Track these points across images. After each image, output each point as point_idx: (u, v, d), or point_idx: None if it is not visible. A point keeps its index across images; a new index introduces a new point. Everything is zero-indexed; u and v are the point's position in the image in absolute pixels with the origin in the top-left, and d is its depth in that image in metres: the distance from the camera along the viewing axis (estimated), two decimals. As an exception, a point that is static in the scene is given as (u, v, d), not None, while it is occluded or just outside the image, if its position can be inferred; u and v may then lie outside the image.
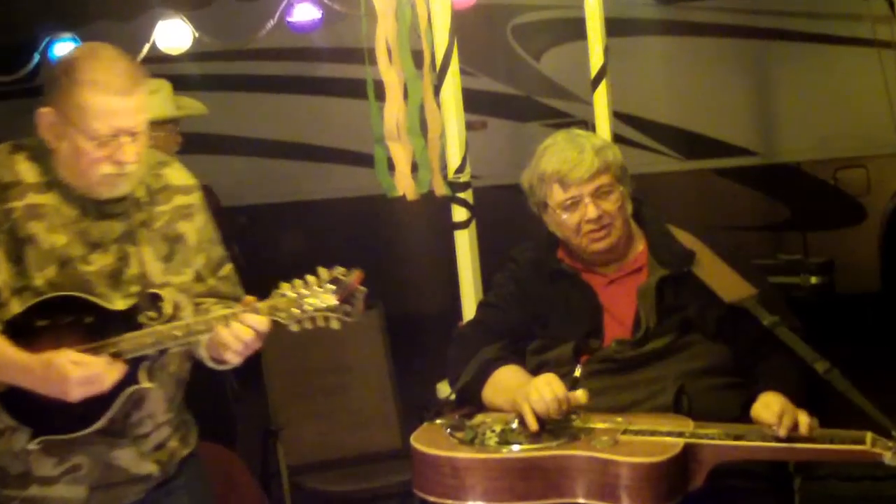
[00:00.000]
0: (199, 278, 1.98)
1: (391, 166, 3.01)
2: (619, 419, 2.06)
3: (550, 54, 5.66)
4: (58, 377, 1.74)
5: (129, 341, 1.80)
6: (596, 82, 3.19)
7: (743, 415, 2.04)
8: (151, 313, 1.82)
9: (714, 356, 2.17)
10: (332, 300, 1.77)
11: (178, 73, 5.03)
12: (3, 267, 1.82)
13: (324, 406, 3.64)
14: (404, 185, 2.98)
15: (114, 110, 1.79)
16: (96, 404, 1.80)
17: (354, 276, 1.79)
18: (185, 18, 4.84)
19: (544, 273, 2.32)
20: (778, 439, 1.91)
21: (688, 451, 1.92)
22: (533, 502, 1.96)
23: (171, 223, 1.95)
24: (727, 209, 5.51)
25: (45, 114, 1.83)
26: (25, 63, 5.17)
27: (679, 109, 5.55)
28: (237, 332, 1.79)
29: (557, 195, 2.25)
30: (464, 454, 2.00)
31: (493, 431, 2.06)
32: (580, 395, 2.05)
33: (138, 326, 1.81)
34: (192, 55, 5.16)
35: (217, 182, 5.49)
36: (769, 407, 1.95)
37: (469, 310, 2.95)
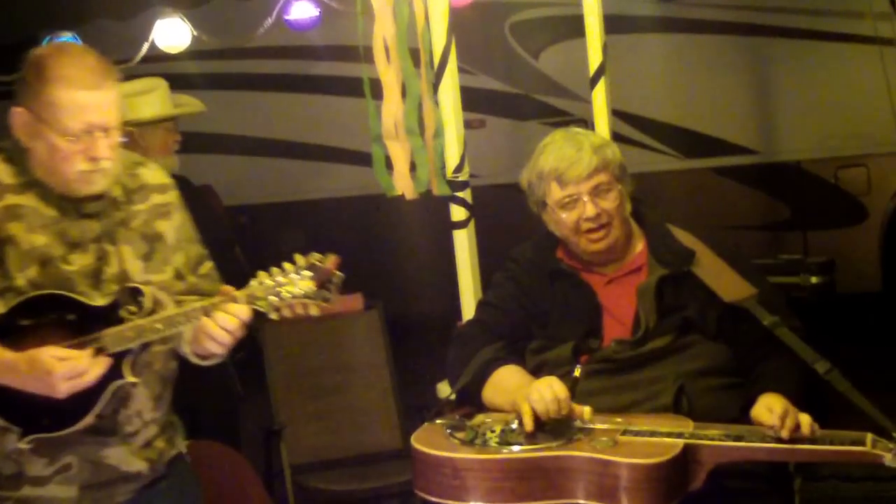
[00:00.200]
0: (179, 276, 2.00)
1: (389, 165, 3.00)
2: (619, 419, 2.06)
3: (549, 52, 5.65)
4: (43, 373, 1.76)
5: (112, 336, 1.82)
6: (595, 80, 3.18)
7: (743, 415, 2.03)
8: (132, 307, 1.84)
9: (714, 356, 2.17)
10: (310, 286, 1.79)
11: (177, 72, 5.04)
12: None
13: (325, 406, 3.66)
14: (402, 185, 2.97)
15: (84, 105, 1.81)
16: (83, 401, 1.81)
17: (330, 262, 1.81)
18: (183, 17, 4.84)
19: (543, 273, 2.31)
20: (778, 440, 1.90)
21: (687, 451, 1.92)
22: (533, 503, 1.95)
23: (149, 222, 1.97)
24: (727, 208, 5.51)
25: (17, 114, 1.84)
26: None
27: (678, 107, 5.54)
28: (219, 320, 1.81)
29: (555, 193, 2.24)
30: (464, 455, 2.00)
31: (494, 432, 2.06)
32: (586, 412, 2.04)
33: (120, 321, 1.83)
34: (190, 54, 5.15)
35: (217, 181, 5.53)
36: (771, 408, 1.94)
37: (468, 309, 2.95)
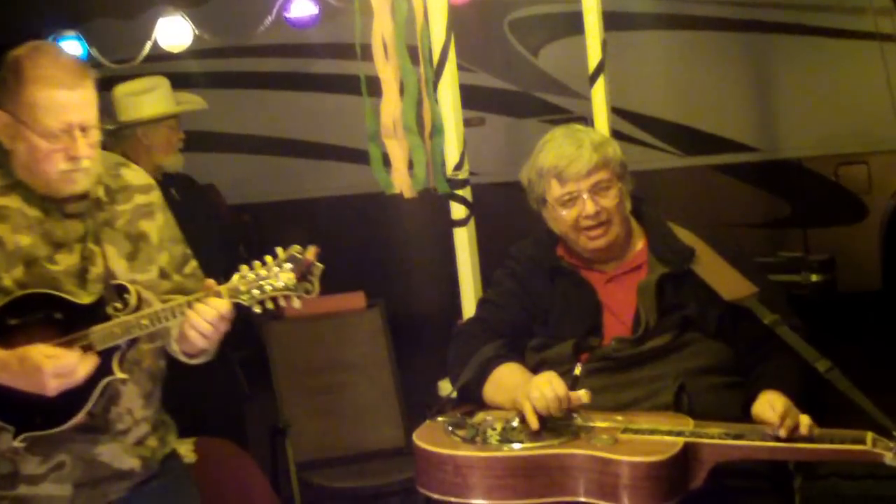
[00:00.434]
0: (164, 275, 2.02)
1: (388, 163, 3.00)
2: (620, 418, 2.06)
3: (548, 49, 5.64)
4: (33, 371, 1.78)
5: (99, 333, 1.84)
6: (594, 77, 3.18)
7: (743, 414, 2.03)
8: (118, 304, 1.86)
9: (714, 355, 2.17)
10: (291, 278, 1.81)
11: (179, 71, 5.04)
12: None
13: (328, 404, 3.68)
14: (401, 183, 2.97)
15: (62, 104, 1.83)
16: (74, 398, 1.83)
17: (310, 253, 1.82)
18: (184, 15, 4.84)
19: (544, 270, 2.32)
20: (778, 439, 1.90)
21: (688, 450, 1.92)
22: (534, 500, 1.96)
23: (132, 222, 1.99)
24: (727, 206, 5.50)
25: None
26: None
27: (678, 105, 5.53)
28: (200, 311, 1.83)
29: (555, 190, 2.24)
30: (465, 452, 2.01)
31: (495, 430, 2.06)
32: (582, 394, 2.04)
33: (106, 318, 1.85)
34: (192, 53, 5.15)
35: (219, 180, 5.53)
36: (772, 407, 1.94)
37: (469, 307, 2.95)
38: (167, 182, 3.48)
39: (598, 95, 3.18)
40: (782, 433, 1.89)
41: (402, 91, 2.93)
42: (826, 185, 5.37)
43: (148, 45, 4.82)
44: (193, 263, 2.10)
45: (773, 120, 5.45)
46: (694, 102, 5.50)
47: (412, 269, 5.79)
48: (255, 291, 1.82)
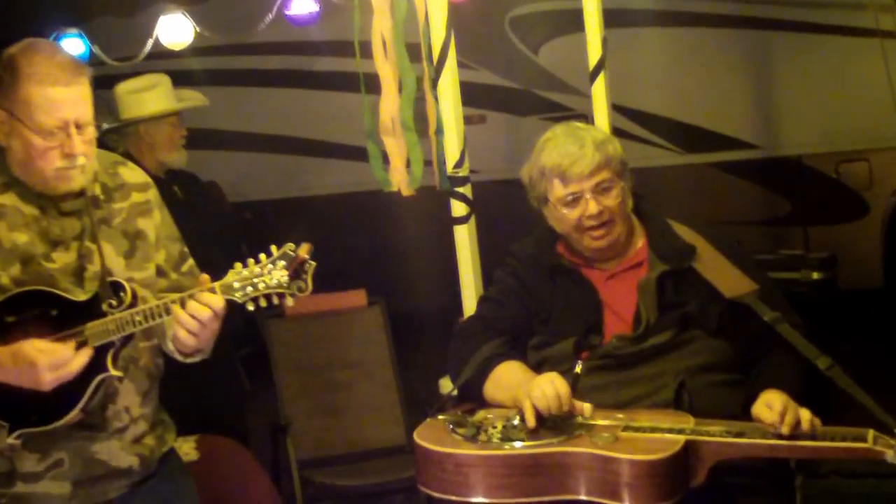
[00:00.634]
0: (161, 273, 2.03)
1: (386, 160, 3.00)
2: (620, 415, 2.06)
3: (549, 47, 5.63)
4: (27, 365, 1.79)
5: (93, 329, 1.84)
6: (594, 75, 3.18)
7: (744, 412, 2.03)
8: (113, 301, 1.86)
9: (715, 352, 2.17)
10: (284, 276, 1.81)
11: (181, 69, 5.04)
12: None
13: (330, 402, 3.68)
14: (398, 180, 2.98)
15: (57, 101, 1.83)
16: (69, 395, 1.84)
17: (302, 250, 1.82)
18: (185, 13, 4.83)
19: (544, 268, 2.31)
20: (779, 437, 1.90)
21: (689, 448, 1.92)
22: (535, 498, 1.96)
23: (129, 219, 1.99)
24: (727, 203, 5.49)
25: None
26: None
27: (679, 102, 5.52)
28: (193, 309, 1.82)
29: (558, 190, 2.24)
30: (466, 451, 2.01)
31: (495, 428, 2.07)
32: (587, 407, 2.04)
33: (101, 315, 1.85)
34: (193, 50, 5.15)
35: (221, 178, 5.53)
36: (771, 405, 1.94)
37: (469, 305, 2.95)
38: (170, 179, 3.49)
39: (599, 93, 3.18)
40: (784, 430, 1.89)
41: (401, 89, 2.93)
42: (827, 182, 5.35)
43: (149, 43, 4.81)
44: (191, 262, 2.10)
45: (774, 117, 5.44)
46: (694, 99, 5.49)
47: (413, 267, 5.79)
48: (249, 289, 1.82)
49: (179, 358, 2.00)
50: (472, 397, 2.25)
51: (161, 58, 4.94)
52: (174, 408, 2.17)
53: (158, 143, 3.49)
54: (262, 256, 1.83)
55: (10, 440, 1.86)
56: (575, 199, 2.22)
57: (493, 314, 2.35)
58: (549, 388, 2.04)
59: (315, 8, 4.82)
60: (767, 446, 1.92)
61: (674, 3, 5.38)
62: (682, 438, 1.92)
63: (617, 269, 2.29)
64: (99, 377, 1.86)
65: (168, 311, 1.84)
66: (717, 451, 1.93)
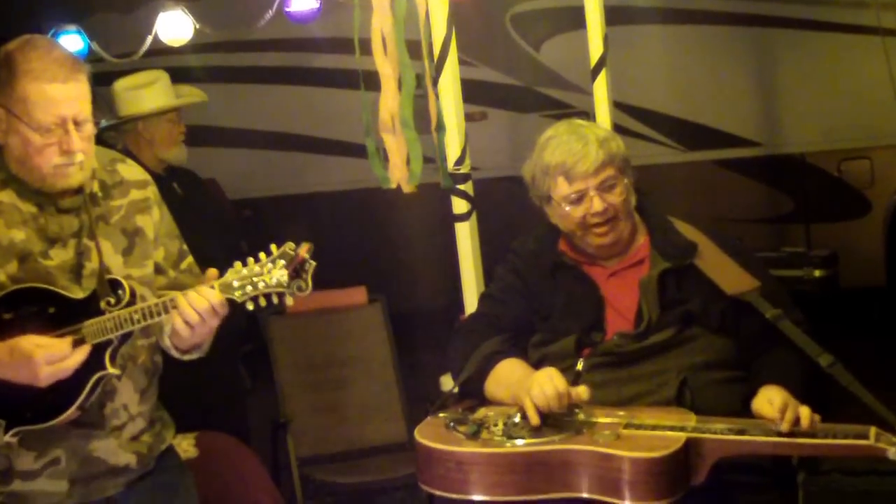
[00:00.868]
0: (159, 271, 2.02)
1: (385, 157, 2.99)
2: (622, 413, 2.05)
3: (550, 44, 5.62)
4: (24, 360, 1.78)
5: (91, 327, 1.84)
6: (596, 72, 3.17)
7: (745, 409, 2.03)
8: (111, 299, 1.85)
9: (717, 350, 2.16)
10: (284, 276, 1.80)
11: (180, 66, 5.03)
12: None
13: (330, 399, 3.68)
14: (397, 178, 2.97)
15: (55, 98, 1.82)
16: (66, 393, 1.83)
17: (302, 250, 1.81)
18: (185, 9, 4.83)
19: (546, 265, 2.31)
20: (780, 434, 1.90)
21: (690, 445, 1.91)
22: (537, 496, 1.96)
23: (128, 217, 1.99)
24: (729, 201, 5.48)
25: None
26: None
27: (681, 99, 5.51)
28: (192, 299, 1.82)
29: (562, 188, 2.23)
30: (467, 448, 2.00)
31: (496, 425, 2.06)
32: (582, 391, 2.04)
33: (99, 313, 1.85)
34: (193, 47, 5.15)
35: (221, 175, 5.52)
36: (771, 401, 1.94)
37: (471, 302, 2.94)
38: (169, 176, 3.48)
39: (600, 90, 3.17)
40: (784, 427, 1.89)
41: (401, 86, 2.92)
42: (829, 180, 5.35)
43: (149, 40, 4.81)
44: (190, 260, 2.09)
45: (776, 115, 5.43)
46: (696, 97, 5.49)
47: (414, 265, 5.79)
48: (248, 288, 1.81)
49: (176, 354, 1.99)
50: (473, 395, 2.24)
51: (160, 54, 4.94)
52: (174, 405, 2.16)
53: (157, 140, 3.48)
54: (262, 255, 1.82)
55: (7, 438, 1.85)
56: (579, 197, 2.22)
57: (494, 311, 2.34)
58: (548, 386, 2.03)
59: (315, 4, 4.81)
60: (769, 444, 1.92)
61: (675, 0, 5.37)
62: (683, 436, 1.92)
63: (618, 266, 2.28)
64: (96, 375, 1.85)
65: (166, 310, 1.83)
66: (718, 448, 1.92)
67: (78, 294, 1.87)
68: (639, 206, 2.32)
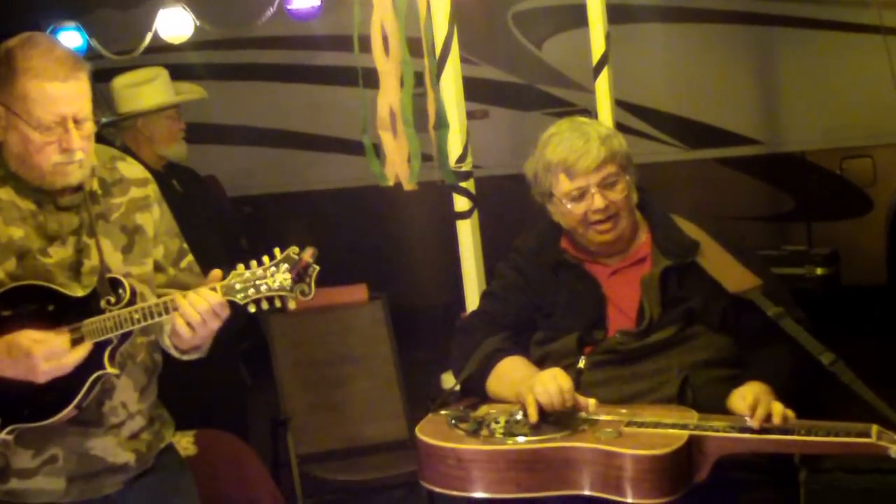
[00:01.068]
0: (159, 269, 2.02)
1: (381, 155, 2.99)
2: (624, 411, 2.05)
3: (552, 42, 5.62)
4: (22, 356, 1.77)
5: (90, 326, 1.83)
6: (598, 70, 3.17)
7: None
8: (111, 298, 1.85)
9: (718, 348, 2.16)
10: (287, 279, 1.80)
11: (180, 63, 5.02)
12: None
13: (331, 396, 3.68)
14: (395, 175, 2.96)
15: (54, 97, 1.82)
16: (64, 391, 1.83)
17: (306, 254, 1.81)
18: (185, 6, 4.82)
19: (547, 263, 2.31)
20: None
21: (692, 443, 1.91)
22: (538, 493, 1.95)
23: (128, 214, 1.98)
24: (731, 199, 5.48)
25: None
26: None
27: (682, 98, 5.51)
28: (193, 300, 1.81)
29: (564, 185, 2.23)
30: (468, 446, 2.00)
31: (498, 423, 2.06)
32: (591, 403, 2.03)
33: (99, 311, 1.84)
34: (193, 44, 5.14)
35: (221, 172, 5.52)
36: (743, 397, 1.95)
37: (472, 300, 2.94)
38: (169, 174, 3.47)
39: (602, 88, 3.17)
40: (754, 424, 1.89)
41: (401, 84, 2.92)
42: (830, 178, 5.34)
43: (149, 37, 4.80)
44: (189, 258, 2.08)
45: (778, 113, 5.43)
46: (698, 95, 5.48)
47: (415, 262, 5.78)
48: (251, 290, 1.81)
49: (176, 354, 1.99)
50: (474, 392, 2.24)
51: (160, 51, 4.93)
52: (174, 402, 2.16)
53: (156, 137, 3.47)
54: (266, 259, 1.81)
55: (3, 435, 1.84)
56: (581, 194, 2.22)
57: (495, 309, 2.34)
58: (551, 384, 2.03)
59: (316, 2, 4.81)
60: (771, 441, 1.91)
61: (676, -2, 5.37)
62: (685, 434, 1.92)
63: (620, 264, 2.28)
64: (95, 374, 1.84)
65: (167, 311, 1.83)
66: (720, 446, 1.92)
67: (77, 292, 1.86)
68: (640, 204, 2.32)
